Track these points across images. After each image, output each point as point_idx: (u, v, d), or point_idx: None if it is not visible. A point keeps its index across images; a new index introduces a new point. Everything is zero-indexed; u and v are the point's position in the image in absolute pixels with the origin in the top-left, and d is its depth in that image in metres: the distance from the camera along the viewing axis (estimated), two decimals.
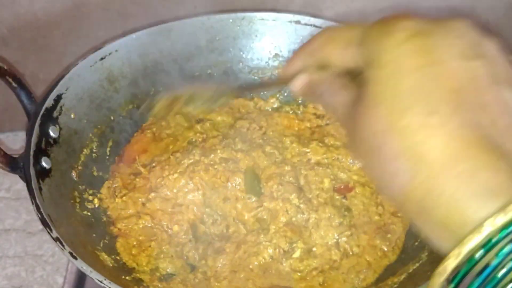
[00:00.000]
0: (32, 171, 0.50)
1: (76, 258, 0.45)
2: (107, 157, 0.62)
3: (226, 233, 0.56)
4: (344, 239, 0.55)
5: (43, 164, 0.52)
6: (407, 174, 0.25)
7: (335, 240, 0.55)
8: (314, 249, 0.55)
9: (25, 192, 0.49)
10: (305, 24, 0.67)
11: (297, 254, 0.54)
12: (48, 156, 0.53)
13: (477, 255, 0.23)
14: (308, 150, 0.62)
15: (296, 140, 0.63)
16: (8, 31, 0.67)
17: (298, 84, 0.34)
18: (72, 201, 0.55)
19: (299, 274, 0.54)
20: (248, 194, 0.58)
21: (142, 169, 0.60)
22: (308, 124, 0.67)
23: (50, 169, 0.53)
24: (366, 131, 0.27)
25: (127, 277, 0.51)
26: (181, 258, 0.55)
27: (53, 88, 0.57)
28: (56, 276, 0.63)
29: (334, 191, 0.59)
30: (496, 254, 0.22)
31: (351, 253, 0.55)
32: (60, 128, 0.56)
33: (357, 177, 0.60)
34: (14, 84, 0.54)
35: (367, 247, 0.55)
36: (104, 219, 0.57)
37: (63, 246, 0.45)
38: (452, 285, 0.24)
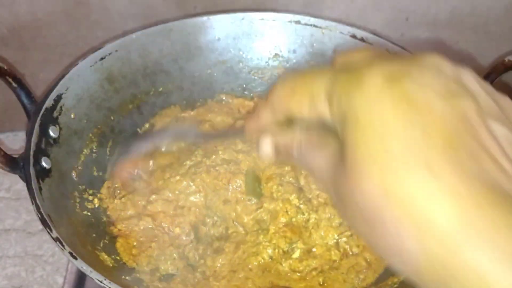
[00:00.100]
0: (32, 171, 0.50)
1: (76, 258, 0.45)
2: (107, 157, 0.62)
3: (225, 234, 0.57)
4: (344, 239, 0.55)
5: (43, 164, 0.52)
6: (414, 242, 0.22)
7: (335, 241, 0.55)
8: (314, 249, 0.55)
9: (25, 192, 0.49)
10: (305, 24, 0.67)
11: (296, 254, 0.55)
12: (48, 156, 0.53)
13: None
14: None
15: None
16: (8, 31, 0.67)
17: (264, 150, 0.31)
18: (72, 201, 0.55)
19: (298, 274, 0.54)
20: (249, 196, 0.58)
21: (143, 175, 0.60)
22: None
23: (50, 169, 0.53)
24: (357, 198, 0.24)
25: (127, 277, 0.51)
26: (183, 260, 0.55)
27: (53, 88, 0.57)
28: (56, 276, 0.63)
29: None
30: None
31: (351, 253, 0.55)
32: (60, 128, 0.56)
33: None
34: (14, 84, 0.54)
35: (367, 247, 0.55)
36: (104, 219, 0.57)
37: (63, 246, 0.45)
38: None
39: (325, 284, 0.53)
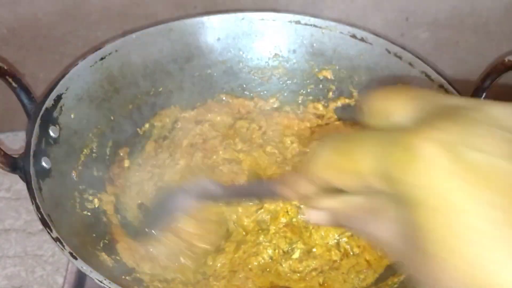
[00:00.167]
0: (32, 171, 0.50)
1: (76, 258, 0.45)
2: (107, 157, 0.62)
3: (225, 233, 0.56)
4: (345, 239, 0.55)
5: (43, 164, 0.52)
6: None
7: (335, 241, 0.55)
8: (314, 249, 0.55)
9: (25, 192, 0.49)
10: (305, 24, 0.67)
11: (296, 255, 0.55)
12: (48, 156, 0.53)
13: None
14: (308, 150, 0.62)
15: (296, 140, 0.63)
16: (8, 31, 0.67)
17: (314, 219, 0.30)
18: (72, 201, 0.55)
19: (298, 274, 0.54)
20: None
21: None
22: (308, 124, 0.67)
23: (50, 169, 0.53)
24: (442, 283, 0.22)
25: (127, 277, 0.51)
26: None
27: (53, 88, 0.56)
28: (56, 276, 0.63)
29: None
30: None
31: (351, 253, 0.55)
32: (60, 128, 0.56)
33: None
34: (14, 84, 0.54)
35: (367, 247, 0.55)
36: (104, 219, 0.57)
37: (63, 246, 0.45)
38: None
39: (325, 284, 0.53)
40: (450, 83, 0.59)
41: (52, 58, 0.70)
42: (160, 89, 0.67)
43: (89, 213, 0.56)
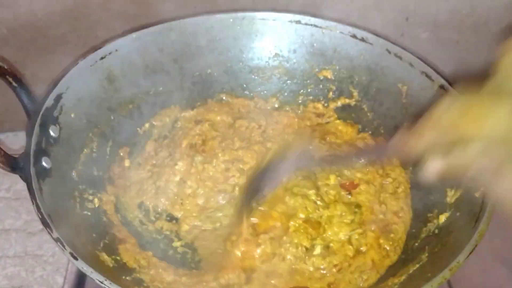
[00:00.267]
0: (32, 171, 0.50)
1: (76, 259, 0.45)
2: (107, 157, 0.62)
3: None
4: (356, 236, 0.56)
5: (44, 164, 0.52)
6: None
7: (347, 237, 0.56)
8: (331, 244, 0.55)
9: (25, 192, 0.49)
10: (305, 24, 0.67)
11: (318, 250, 0.55)
12: (49, 156, 0.53)
13: None
14: (310, 148, 0.62)
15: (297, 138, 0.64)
16: (8, 31, 0.67)
17: (432, 170, 0.31)
18: (72, 201, 0.55)
19: (322, 272, 0.54)
20: None
21: None
22: (308, 123, 0.67)
23: (50, 169, 0.53)
24: None
25: (127, 277, 0.51)
26: None
27: (53, 88, 0.56)
28: (56, 276, 0.63)
29: (340, 187, 0.59)
30: None
31: (362, 249, 0.55)
32: (61, 128, 0.56)
33: (360, 174, 0.61)
34: (14, 84, 0.54)
35: (374, 245, 0.56)
36: (104, 219, 0.57)
37: (63, 246, 0.45)
38: None
39: (332, 286, 0.53)
40: (450, 83, 0.59)
41: (52, 58, 0.70)
42: (160, 89, 0.67)
43: (89, 213, 0.56)
